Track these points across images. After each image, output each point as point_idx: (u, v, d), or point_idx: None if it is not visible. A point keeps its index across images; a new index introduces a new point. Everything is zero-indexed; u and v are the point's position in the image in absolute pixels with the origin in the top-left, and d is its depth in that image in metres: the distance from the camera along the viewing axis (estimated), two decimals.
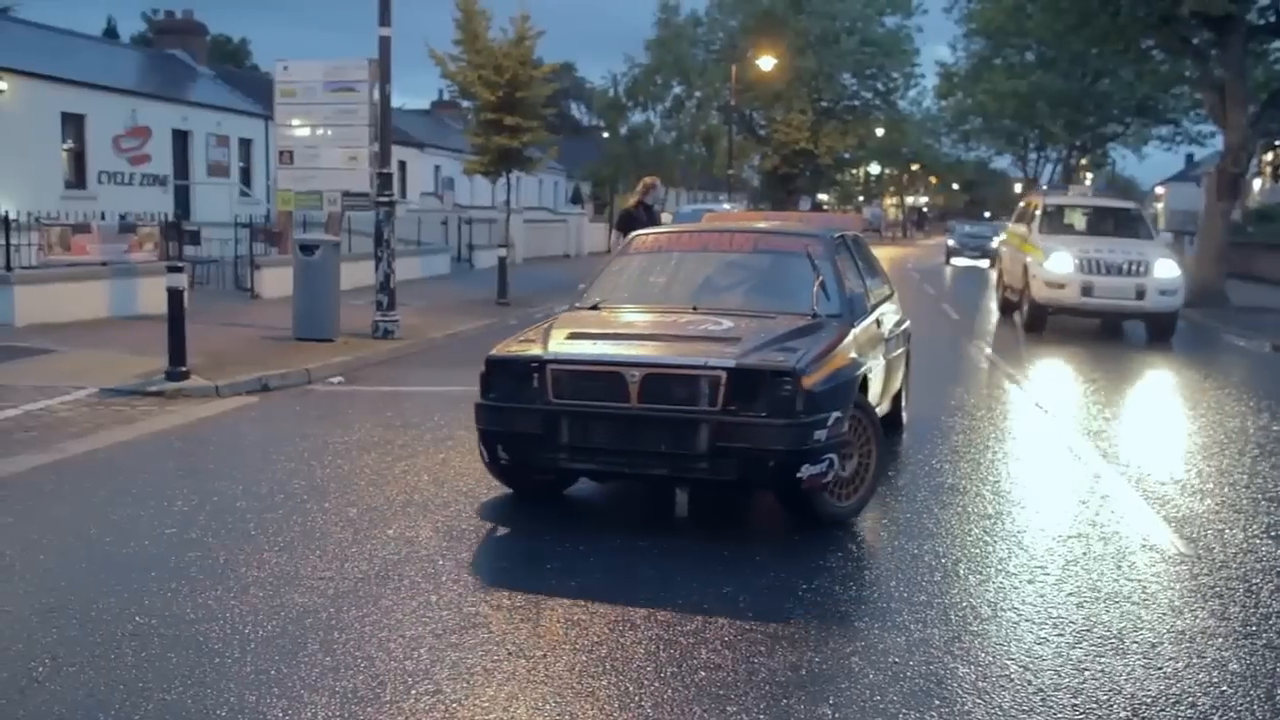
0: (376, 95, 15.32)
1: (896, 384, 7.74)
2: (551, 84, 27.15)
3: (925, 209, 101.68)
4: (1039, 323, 15.56)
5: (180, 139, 27.86)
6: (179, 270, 10.03)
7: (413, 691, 3.74)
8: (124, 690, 3.73)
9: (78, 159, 24.76)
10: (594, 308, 6.66)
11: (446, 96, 48.38)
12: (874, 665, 4.03)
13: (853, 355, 5.87)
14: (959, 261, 39.08)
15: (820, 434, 5.26)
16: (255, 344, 11.95)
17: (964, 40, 45.06)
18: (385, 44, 13.44)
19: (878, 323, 6.95)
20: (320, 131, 16.89)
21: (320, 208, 17.49)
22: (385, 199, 13.52)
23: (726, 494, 6.10)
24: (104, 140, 25.19)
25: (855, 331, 6.15)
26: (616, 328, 6.15)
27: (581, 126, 71.51)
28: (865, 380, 5.98)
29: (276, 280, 16.80)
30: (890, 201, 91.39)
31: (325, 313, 12.69)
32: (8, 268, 13.55)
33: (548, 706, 3.65)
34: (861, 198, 76.78)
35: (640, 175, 18.87)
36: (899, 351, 7.69)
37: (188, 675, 3.85)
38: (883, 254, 38.28)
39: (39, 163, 22.81)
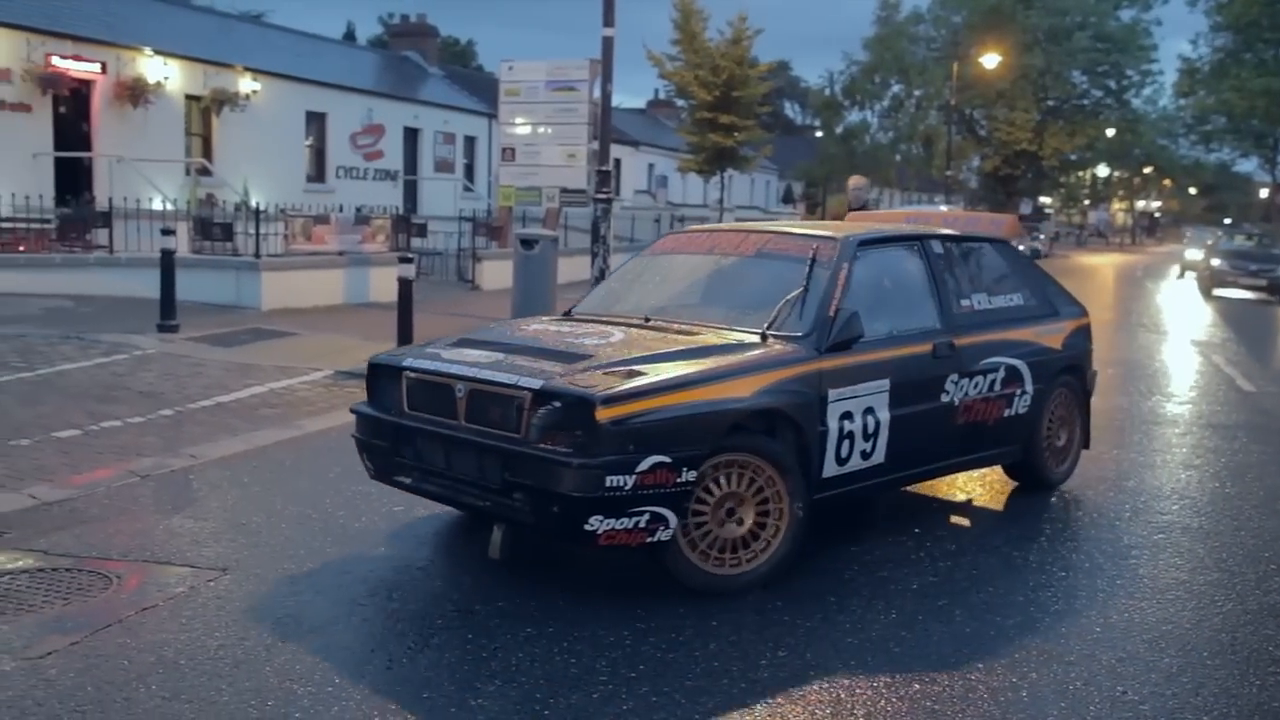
0: (597, 94, 15.67)
1: (1018, 430, 6.14)
2: (767, 83, 27.15)
3: (1157, 214, 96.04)
4: None
5: (410, 136, 29.28)
6: (409, 261, 10.54)
7: (619, 685, 3.80)
8: (350, 656, 3.94)
9: (318, 155, 26.39)
10: (567, 314, 5.99)
11: (662, 95, 49.01)
12: None
13: (757, 387, 4.64)
14: (1227, 294, 25.88)
15: (621, 480, 4.20)
16: None
17: (1209, 34, 42.22)
18: (608, 44, 13.66)
19: (935, 353, 5.52)
20: (541, 129, 17.44)
21: (539, 203, 18.08)
22: (603, 196, 13.76)
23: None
24: (342, 137, 26.78)
25: (825, 360, 4.94)
26: (512, 337, 5.32)
27: (795, 125, 71.10)
28: (786, 421, 4.76)
29: (496, 272, 17.43)
30: (1119, 206, 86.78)
31: (542, 305, 13.01)
32: (257, 255, 14.57)
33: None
34: (1088, 201, 73.23)
35: (854, 175, 18.61)
36: (1016, 392, 6.03)
37: (418, 644, 4.03)
38: (1106, 262, 35.66)
39: (285, 158, 24.45)
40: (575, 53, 22.03)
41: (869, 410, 5.12)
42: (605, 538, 4.29)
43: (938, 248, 6.02)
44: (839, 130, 48.70)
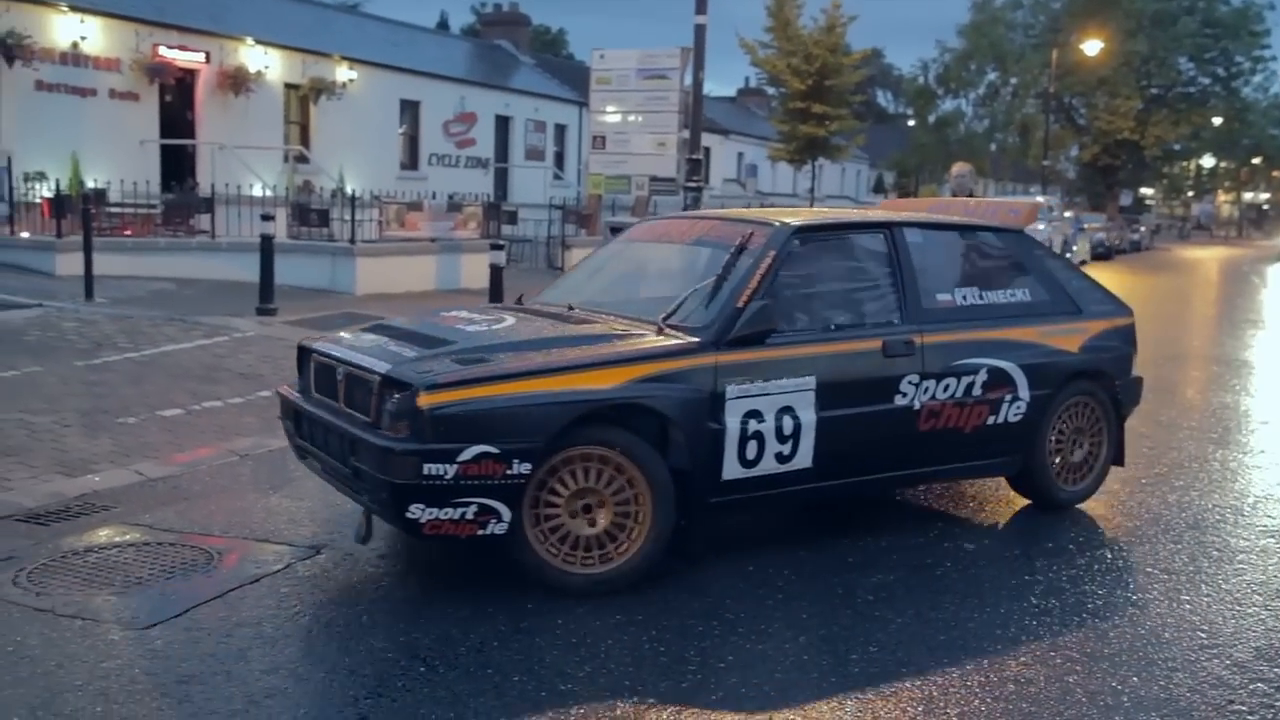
0: (688, 82, 15.64)
1: (1010, 440, 5.49)
2: (860, 71, 26.76)
3: (1265, 206, 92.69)
4: None
5: (502, 124, 29.59)
6: (500, 248, 10.64)
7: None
8: (442, 637, 4.01)
9: (411, 142, 26.83)
10: (518, 302, 5.93)
11: (753, 84, 48.72)
12: None
13: (623, 379, 4.37)
14: None
15: (441, 469, 4.07)
16: None
17: None
18: (700, 32, 13.63)
19: (887, 351, 5.03)
20: (631, 117, 17.48)
21: (628, 191, 18.12)
22: (694, 184, 13.76)
23: None
24: (435, 125, 27.17)
25: (724, 354, 4.59)
26: (413, 323, 5.30)
27: (887, 114, 70.11)
28: (657, 416, 4.45)
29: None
30: (1225, 198, 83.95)
31: None
32: (352, 241, 14.84)
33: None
34: (1191, 193, 70.94)
35: (948, 165, 18.25)
36: (1004, 397, 5.39)
37: (509, 629, 4.07)
38: (1210, 256, 34.30)
39: (379, 145, 24.89)
40: (666, 41, 22.03)
41: (787, 410, 4.72)
42: (430, 527, 4.17)
43: (914, 237, 5.44)
44: (932, 119, 47.91)
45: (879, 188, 52.31)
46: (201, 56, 20.78)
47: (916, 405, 5.12)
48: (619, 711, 3.48)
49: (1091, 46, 41.06)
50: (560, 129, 32.09)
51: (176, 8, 20.85)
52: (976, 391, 5.30)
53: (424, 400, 4.12)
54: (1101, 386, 5.92)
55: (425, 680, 3.65)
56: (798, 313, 4.97)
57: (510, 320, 5.10)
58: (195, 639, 3.93)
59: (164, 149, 20.10)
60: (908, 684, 3.73)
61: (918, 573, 4.84)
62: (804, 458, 4.81)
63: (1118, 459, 6.07)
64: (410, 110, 26.52)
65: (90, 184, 16.78)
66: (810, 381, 4.79)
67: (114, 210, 16.00)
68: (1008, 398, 5.43)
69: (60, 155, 17.54)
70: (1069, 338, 5.75)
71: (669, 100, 17.19)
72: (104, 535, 5.04)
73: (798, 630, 4.16)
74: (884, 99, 76.26)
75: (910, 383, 5.09)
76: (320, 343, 5.09)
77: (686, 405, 4.49)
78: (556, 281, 6.31)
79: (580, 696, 3.56)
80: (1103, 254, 35.62)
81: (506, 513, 4.21)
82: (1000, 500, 6.10)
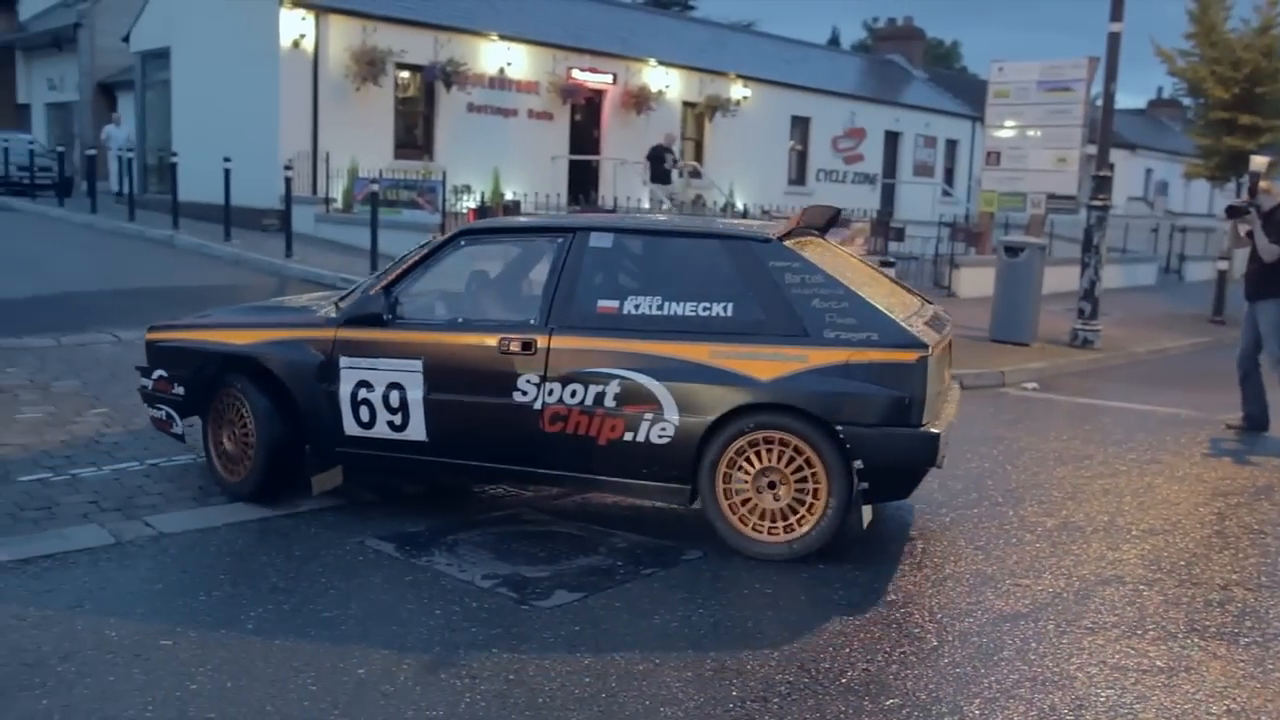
0: (1093, 93, 14.70)
1: (654, 464, 5.02)
2: None
3: None
4: None
5: (890, 140, 29.24)
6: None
7: None
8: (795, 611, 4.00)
9: (800, 157, 27.12)
10: None
11: (1166, 95, 45.08)
12: None
13: (255, 340, 5.64)
14: None
15: (147, 384, 5.97)
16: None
17: None
18: (1114, 40, 12.78)
19: (502, 349, 5.13)
20: (1030, 132, 16.64)
21: (1023, 209, 17.27)
22: (1100, 203, 12.91)
23: None
24: (824, 140, 27.31)
25: (343, 330, 5.46)
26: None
27: None
28: (267, 372, 5.54)
29: (974, 280, 16.92)
30: None
31: (1024, 316, 12.48)
32: None
33: None
34: None
35: None
36: (643, 415, 4.95)
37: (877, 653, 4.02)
38: None
39: (768, 161, 25.40)
40: (1067, 52, 20.90)
41: (395, 385, 5.32)
42: (154, 422, 6.07)
43: (599, 242, 5.33)
44: None
45: None
46: (609, 78, 22.15)
47: (538, 405, 5.15)
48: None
49: None
50: (951, 144, 31.23)
51: (589, 33, 22.36)
52: (608, 403, 5.05)
53: (147, 336, 6.07)
54: (814, 427, 4.85)
55: (808, 692, 3.67)
56: (433, 303, 5.64)
57: (303, 300, 6.52)
58: (588, 624, 4.20)
59: (571, 164, 21.61)
60: None
61: None
62: (417, 431, 5.34)
63: (859, 515, 5.01)
64: (800, 126, 26.83)
65: (508, 196, 18.35)
66: (418, 365, 5.31)
67: None
68: (648, 416, 5.00)
69: (483, 170, 19.31)
70: (759, 363, 4.89)
71: (1072, 114, 16.21)
72: (513, 518, 5.52)
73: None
74: None
75: (530, 382, 5.15)
76: None
77: (297, 366, 5.50)
78: None
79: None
80: None
81: (179, 420, 5.90)
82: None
